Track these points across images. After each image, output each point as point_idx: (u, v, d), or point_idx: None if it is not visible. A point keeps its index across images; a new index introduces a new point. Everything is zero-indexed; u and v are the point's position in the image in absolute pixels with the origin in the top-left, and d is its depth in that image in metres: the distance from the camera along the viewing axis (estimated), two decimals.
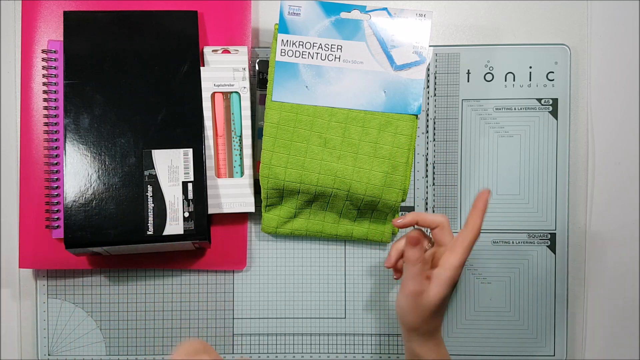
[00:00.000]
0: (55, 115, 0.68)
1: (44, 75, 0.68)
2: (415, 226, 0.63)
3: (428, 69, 0.72)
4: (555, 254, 0.71)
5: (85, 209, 0.64)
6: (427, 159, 0.72)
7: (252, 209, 0.68)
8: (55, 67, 0.68)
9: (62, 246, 0.66)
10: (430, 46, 0.71)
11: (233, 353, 0.72)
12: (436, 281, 0.57)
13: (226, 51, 0.69)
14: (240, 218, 0.71)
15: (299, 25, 0.66)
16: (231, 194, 0.68)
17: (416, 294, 0.58)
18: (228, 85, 0.68)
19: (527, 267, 0.71)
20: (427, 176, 0.72)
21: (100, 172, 0.65)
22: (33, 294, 0.72)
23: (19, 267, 0.69)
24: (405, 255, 0.58)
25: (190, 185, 0.66)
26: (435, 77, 0.72)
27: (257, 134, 0.70)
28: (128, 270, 0.71)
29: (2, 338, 0.72)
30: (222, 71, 0.68)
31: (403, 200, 0.67)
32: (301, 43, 0.67)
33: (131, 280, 0.71)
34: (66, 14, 0.67)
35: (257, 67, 0.71)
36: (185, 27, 0.68)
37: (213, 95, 0.68)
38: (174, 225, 0.65)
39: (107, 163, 0.65)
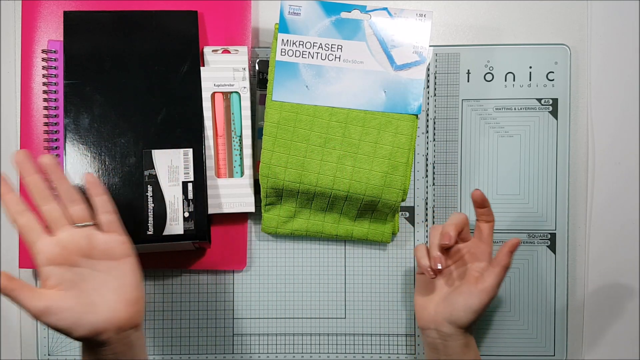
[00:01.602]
0: (55, 115, 0.68)
1: (44, 75, 0.68)
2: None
3: (428, 69, 0.72)
4: (555, 254, 0.71)
5: None
6: (427, 159, 0.72)
7: (252, 209, 0.68)
8: (55, 67, 0.68)
9: None
10: (430, 46, 0.71)
11: (233, 353, 0.72)
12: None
13: (226, 51, 0.69)
14: (240, 218, 0.71)
15: (299, 25, 0.66)
16: (231, 194, 0.68)
17: (495, 295, 0.61)
18: (228, 85, 0.68)
19: (527, 267, 0.71)
20: (427, 176, 0.72)
21: (100, 172, 0.65)
22: None
23: (19, 267, 0.69)
24: (506, 260, 0.60)
25: (190, 185, 0.66)
26: (435, 77, 0.72)
27: (257, 134, 0.70)
28: None
29: (2, 338, 0.72)
30: (222, 71, 0.68)
31: (403, 200, 0.67)
32: (301, 43, 0.67)
33: None
34: (66, 14, 0.67)
35: (257, 67, 0.71)
36: (185, 27, 0.68)
37: (213, 95, 0.68)
38: (174, 226, 0.65)
39: (107, 163, 0.65)
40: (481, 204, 0.62)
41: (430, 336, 0.62)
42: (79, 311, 0.54)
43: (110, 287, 0.56)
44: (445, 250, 0.62)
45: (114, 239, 0.57)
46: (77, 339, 0.54)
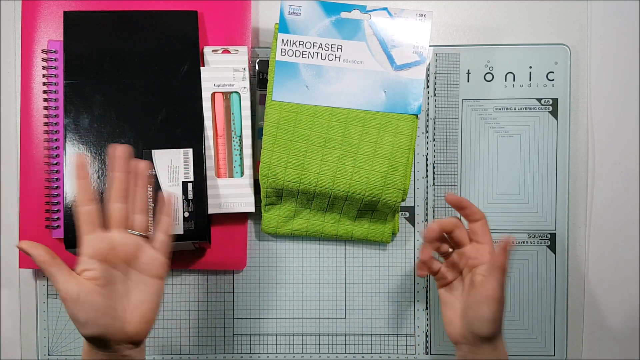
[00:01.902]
0: (55, 115, 0.68)
1: (44, 75, 0.68)
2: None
3: (428, 69, 0.72)
4: (555, 254, 0.71)
5: None
6: (427, 159, 0.72)
7: (252, 209, 0.68)
8: (55, 67, 0.68)
9: (62, 246, 0.66)
10: (430, 46, 0.71)
11: (233, 353, 0.72)
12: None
13: (226, 51, 0.69)
14: (240, 218, 0.71)
15: (299, 25, 0.66)
16: (231, 194, 0.68)
17: (502, 298, 0.57)
18: (228, 85, 0.68)
19: (527, 267, 0.71)
20: (427, 176, 0.72)
21: (100, 172, 0.65)
22: (33, 294, 0.71)
23: (19, 267, 0.69)
24: (501, 260, 0.57)
25: (190, 185, 0.66)
26: (435, 77, 0.72)
27: (257, 134, 0.70)
28: None
29: (2, 338, 0.72)
30: (222, 71, 0.68)
31: (403, 200, 0.67)
32: (301, 43, 0.67)
33: None
34: (66, 14, 0.67)
35: (257, 67, 0.71)
36: (185, 27, 0.68)
37: (213, 95, 0.68)
38: (174, 226, 0.65)
39: (107, 163, 0.65)
40: (458, 205, 0.60)
41: (462, 350, 0.60)
42: (101, 309, 0.54)
43: (134, 299, 0.57)
44: (446, 258, 0.62)
45: (159, 257, 0.58)
46: (85, 335, 0.54)
